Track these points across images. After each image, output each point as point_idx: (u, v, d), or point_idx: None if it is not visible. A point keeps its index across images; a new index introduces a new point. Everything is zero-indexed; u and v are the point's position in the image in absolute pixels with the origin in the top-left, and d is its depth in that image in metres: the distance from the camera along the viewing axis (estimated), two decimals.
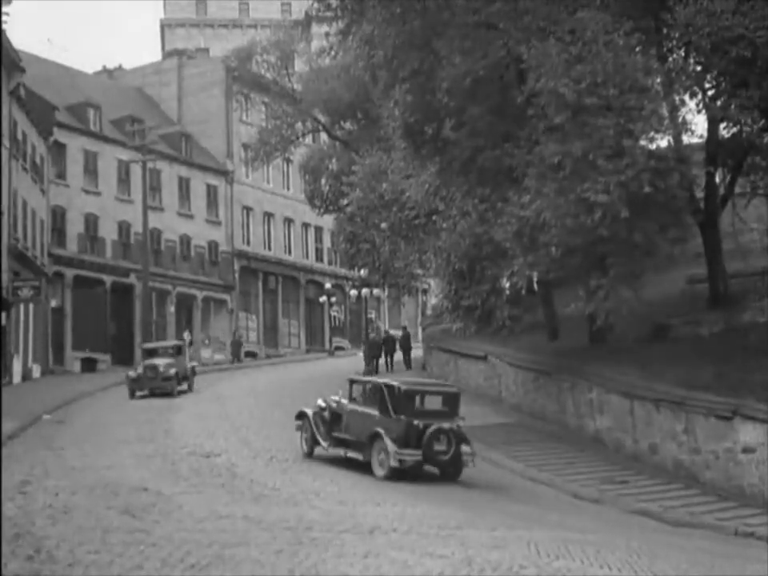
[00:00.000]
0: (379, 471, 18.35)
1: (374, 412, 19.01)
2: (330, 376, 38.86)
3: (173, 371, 32.47)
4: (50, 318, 44.74)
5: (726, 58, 20.31)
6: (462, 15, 23.79)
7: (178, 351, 34.54)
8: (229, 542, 11.30)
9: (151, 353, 34.16)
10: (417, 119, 26.97)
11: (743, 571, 13.23)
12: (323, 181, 48.05)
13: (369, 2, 25.56)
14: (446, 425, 18.71)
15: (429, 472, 19.18)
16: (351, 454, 19.23)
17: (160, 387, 32.20)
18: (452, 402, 19.71)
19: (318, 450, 20.32)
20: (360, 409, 19.57)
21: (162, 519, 12.85)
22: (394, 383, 19.41)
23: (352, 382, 20.53)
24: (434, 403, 19.95)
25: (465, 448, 18.90)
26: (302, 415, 20.93)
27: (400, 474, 18.22)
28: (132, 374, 33.17)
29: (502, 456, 21.86)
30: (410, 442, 18.42)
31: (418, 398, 19.68)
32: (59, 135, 46.80)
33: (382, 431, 18.29)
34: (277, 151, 48.19)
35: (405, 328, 47.63)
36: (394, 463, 18.19)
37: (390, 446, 18.28)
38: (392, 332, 48.64)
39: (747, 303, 23.09)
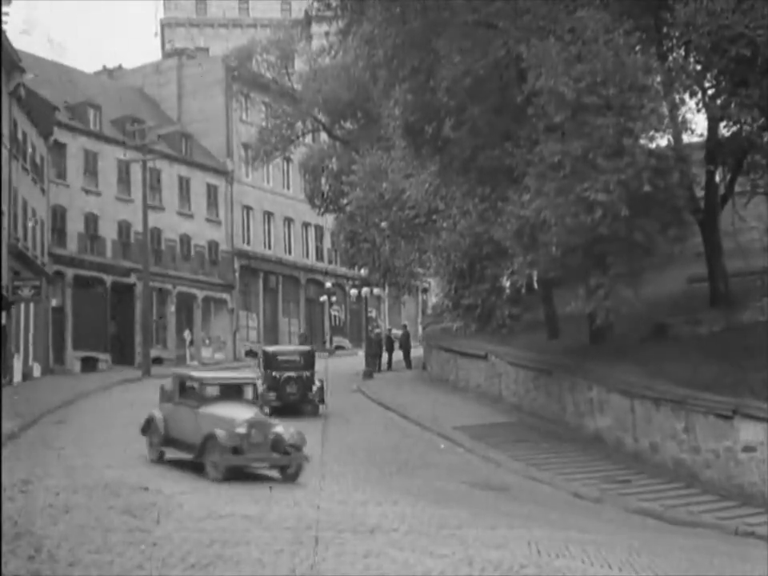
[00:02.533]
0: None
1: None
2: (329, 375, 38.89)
3: None
4: (51, 318, 44.69)
5: (726, 56, 20.31)
6: (462, 14, 23.78)
7: None
8: (229, 542, 11.31)
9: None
10: (417, 118, 26.97)
11: (743, 570, 13.23)
12: (323, 180, 48.03)
13: (369, 1, 25.55)
14: (294, 374, 27.70)
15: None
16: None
17: None
18: (307, 358, 28.81)
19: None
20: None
21: (163, 519, 12.85)
22: (265, 348, 32.05)
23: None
24: (293, 360, 28.47)
25: (311, 392, 27.79)
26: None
27: (279, 412, 24.98)
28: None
29: (503, 455, 21.86)
30: (271, 387, 27.41)
31: (280, 357, 28.74)
32: (59, 135, 46.74)
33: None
34: (277, 151, 48.17)
35: (405, 327, 47.63)
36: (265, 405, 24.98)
37: (261, 389, 25.17)
38: (394, 331, 48.66)
39: (747, 302, 23.09)
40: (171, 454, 18.71)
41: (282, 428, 17.83)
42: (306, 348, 32.19)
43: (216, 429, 17.11)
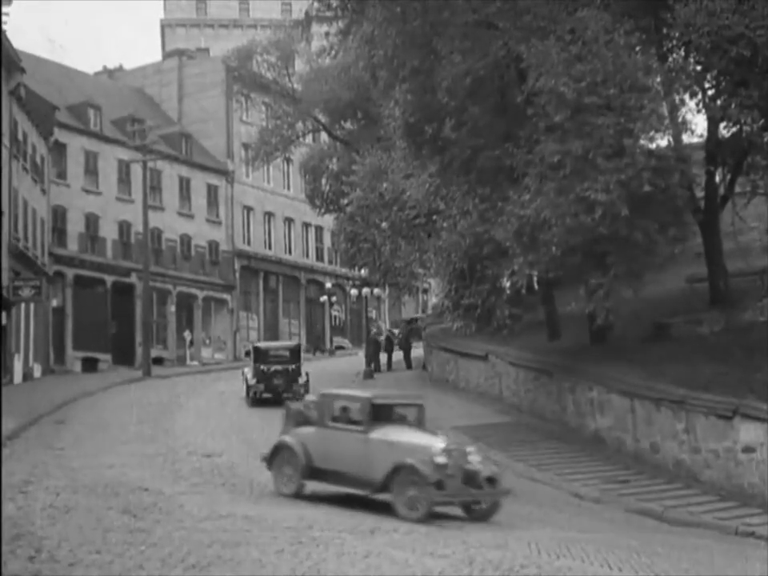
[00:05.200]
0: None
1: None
2: (327, 376, 38.87)
3: None
4: (51, 318, 44.72)
5: (726, 57, 20.32)
6: (462, 14, 23.78)
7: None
8: (229, 542, 11.31)
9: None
10: (417, 119, 26.96)
11: (743, 570, 13.23)
12: (323, 180, 48.03)
13: (369, 1, 25.55)
14: (280, 367, 30.42)
15: None
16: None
17: None
18: (294, 353, 31.64)
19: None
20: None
21: (163, 519, 12.85)
22: (255, 344, 35.95)
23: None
24: (281, 355, 31.30)
25: (297, 384, 29.97)
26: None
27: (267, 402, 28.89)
28: None
29: (503, 455, 21.85)
30: (260, 379, 30.35)
31: (269, 352, 31.49)
32: (60, 135, 46.75)
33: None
34: (277, 151, 48.17)
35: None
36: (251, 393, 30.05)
37: (251, 380, 30.28)
38: (395, 331, 48.68)
39: (747, 302, 23.10)
40: (316, 486, 16.03)
41: (476, 456, 15.20)
42: (293, 343, 35.77)
43: (408, 459, 14.44)
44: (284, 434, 16.61)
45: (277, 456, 16.30)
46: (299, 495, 15.74)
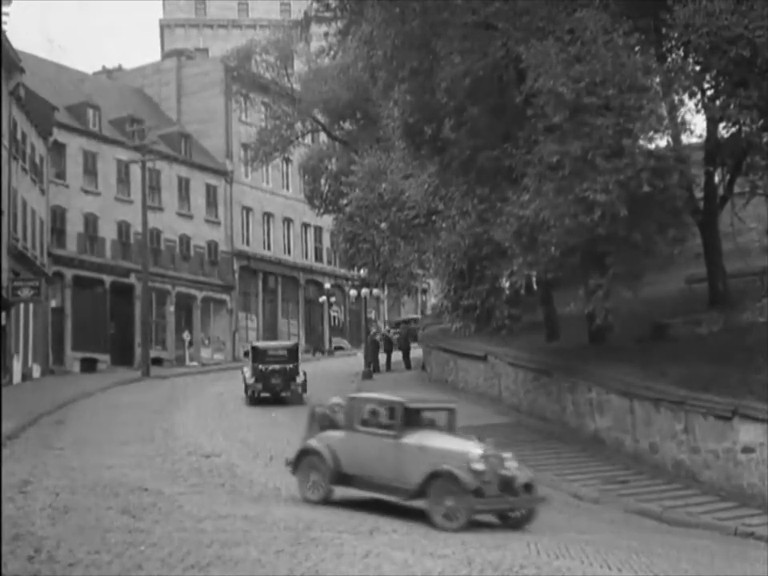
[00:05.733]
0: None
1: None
2: (327, 376, 38.88)
3: None
4: (50, 318, 44.71)
5: (725, 57, 20.31)
6: (461, 15, 23.77)
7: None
8: (229, 542, 11.31)
9: None
10: (416, 119, 26.96)
11: (743, 570, 13.24)
12: (322, 181, 48.03)
13: (368, 1, 25.54)
14: (278, 367, 30.83)
15: None
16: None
17: None
18: (292, 352, 31.99)
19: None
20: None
21: (162, 519, 12.85)
22: (253, 344, 35.96)
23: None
24: (279, 354, 31.63)
25: (294, 382, 30.75)
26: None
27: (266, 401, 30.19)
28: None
29: None
30: (258, 378, 30.80)
31: (267, 352, 31.82)
32: (59, 135, 46.76)
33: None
34: (276, 151, 48.17)
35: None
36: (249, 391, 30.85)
37: (249, 379, 30.97)
38: (388, 331, 48.68)
39: (746, 303, 23.10)
40: (344, 492, 15.43)
41: (513, 462, 14.56)
42: (290, 343, 36.20)
43: (444, 465, 13.90)
44: (309, 438, 15.97)
45: (303, 461, 15.67)
46: (327, 502, 15.13)
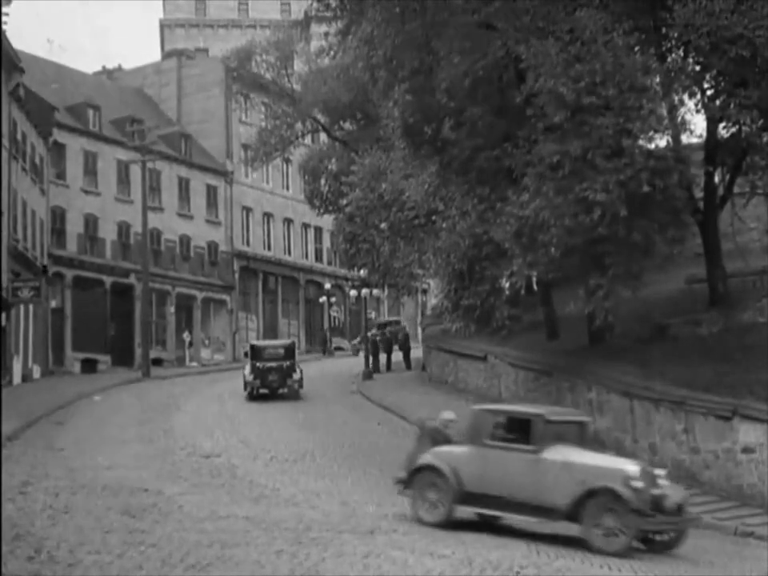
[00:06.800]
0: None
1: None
2: (327, 376, 38.90)
3: None
4: (50, 319, 44.70)
5: (725, 57, 20.29)
6: (461, 15, 23.76)
7: None
8: (229, 543, 11.31)
9: None
10: (416, 119, 26.94)
11: (742, 571, 13.25)
12: (323, 181, 47.99)
13: (368, 1, 25.53)
14: (275, 364, 31.93)
15: None
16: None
17: None
18: (289, 350, 33.18)
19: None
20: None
21: (162, 520, 12.86)
22: (252, 342, 37.46)
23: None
24: (276, 352, 32.66)
25: (291, 379, 32.04)
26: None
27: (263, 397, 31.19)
28: None
29: None
30: (256, 375, 31.90)
31: (265, 350, 32.90)
32: (59, 135, 46.72)
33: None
34: (276, 151, 48.12)
35: (404, 328, 47.64)
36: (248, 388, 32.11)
37: (248, 376, 31.95)
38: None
39: (746, 303, 23.09)
40: (464, 513, 14.49)
41: (666, 479, 13.68)
42: (288, 342, 37.78)
43: (600, 483, 13.02)
44: (419, 453, 14.86)
45: (417, 478, 14.56)
46: (449, 524, 14.05)
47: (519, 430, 14.06)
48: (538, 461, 13.59)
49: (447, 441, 14.88)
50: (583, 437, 14.56)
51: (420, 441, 15.24)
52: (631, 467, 13.40)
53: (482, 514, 14.31)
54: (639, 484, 13.00)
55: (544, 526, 13.60)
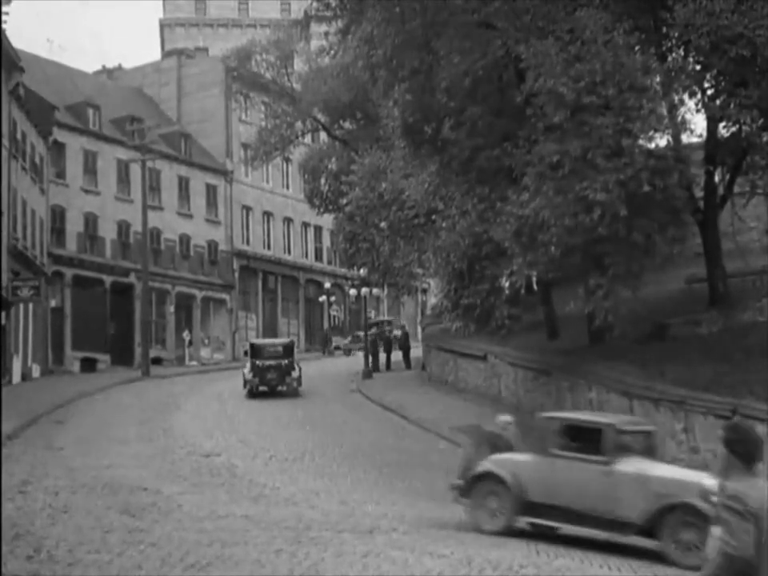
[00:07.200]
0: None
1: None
2: (326, 375, 38.89)
3: None
4: (50, 318, 44.70)
5: (725, 57, 20.29)
6: (461, 15, 23.77)
7: None
8: (228, 542, 11.31)
9: None
10: (416, 119, 26.96)
11: None
12: (323, 180, 48.02)
13: (368, 1, 25.54)
14: (273, 362, 32.48)
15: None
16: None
17: None
18: (288, 349, 33.68)
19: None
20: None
21: (162, 519, 12.86)
22: (251, 341, 38.09)
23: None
24: (275, 351, 33.25)
25: (290, 377, 32.51)
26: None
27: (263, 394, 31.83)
28: None
29: None
30: (255, 373, 32.36)
31: (264, 349, 33.56)
32: (59, 135, 46.73)
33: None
34: (276, 151, 48.15)
35: (403, 327, 47.65)
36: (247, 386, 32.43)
37: (248, 374, 32.50)
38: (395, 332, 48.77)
39: (746, 303, 23.08)
40: (530, 522, 14.01)
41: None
42: (287, 340, 38.09)
43: (678, 497, 12.55)
44: (477, 460, 14.36)
45: (477, 486, 14.10)
46: (510, 533, 13.60)
47: (588, 440, 13.58)
48: (609, 473, 13.16)
49: (509, 448, 14.52)
50: (651, 446, 14.19)
51: (478, 447, 14.71)
52: (708, 480, 12.44)
53: (538, 524, 13.89)
54: (716, 498, 12.75)
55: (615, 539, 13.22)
